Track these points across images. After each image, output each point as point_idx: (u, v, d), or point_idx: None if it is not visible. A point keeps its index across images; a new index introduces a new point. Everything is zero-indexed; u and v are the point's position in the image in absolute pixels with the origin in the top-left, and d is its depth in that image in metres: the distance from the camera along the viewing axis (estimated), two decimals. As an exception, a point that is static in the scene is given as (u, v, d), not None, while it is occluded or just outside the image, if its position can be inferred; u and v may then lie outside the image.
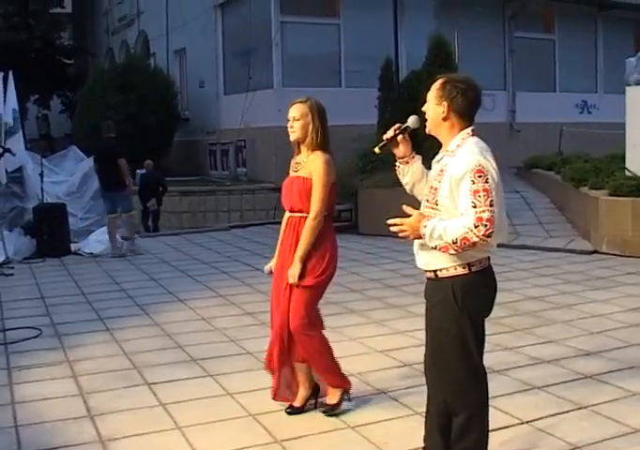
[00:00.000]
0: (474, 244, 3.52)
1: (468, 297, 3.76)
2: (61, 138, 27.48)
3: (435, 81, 3.86)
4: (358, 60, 18.25)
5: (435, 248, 3.63)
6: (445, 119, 3.78)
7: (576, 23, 21.55)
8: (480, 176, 3.56)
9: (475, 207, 3.52)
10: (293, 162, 5.17)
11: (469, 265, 3.75)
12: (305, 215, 4.99)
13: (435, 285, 3.83)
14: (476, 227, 3.49)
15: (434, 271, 3.80)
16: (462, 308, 3.74)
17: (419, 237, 3.70)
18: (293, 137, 5.04)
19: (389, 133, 4.01)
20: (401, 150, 4.03)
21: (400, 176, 4.12)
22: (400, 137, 4.00)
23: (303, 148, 5.08)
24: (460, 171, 3.60)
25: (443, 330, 3.80)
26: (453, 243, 3.54)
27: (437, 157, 3.87)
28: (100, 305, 8.78)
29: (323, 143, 5.03)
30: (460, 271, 3.74)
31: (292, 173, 5.13)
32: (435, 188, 3.75)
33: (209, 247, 13.50)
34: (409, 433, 4.78)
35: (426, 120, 3.88)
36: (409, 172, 4.04)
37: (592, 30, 22.08)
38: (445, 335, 3.80)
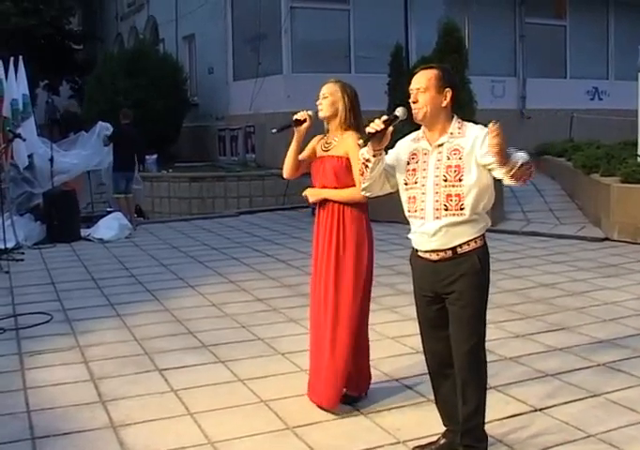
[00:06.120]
0: (531, 173, 3.69)
1: (488, 265, 4.07)
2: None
3: (417, 72, 4.03)
4: (368, 46, 18.15)
5: (520, 170, 3.62)
6: (446, 107, 3.99)
7: (588, 9, 21.34)
8: None
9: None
10: (322, 142, 5.12)
11: (483, 237, 4.02)
12: None
13: (454, 262, 3.98)
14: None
15: (453, 248, 3.96)
16: (487, 276, 4.06)
17: (504, 163, 3.63)
18: (321, 114, 5.02)
19: (377, 125, 3.93)
20: (383, 142, 4.02)
21: (367, 171, 4.08)
22: (390, 128, 3.99)
23: (332, 128, 5.04)
24: (481, 135, 3.85)
25: (472, 299, 3.99)
26: (523, 165, 3.63)
27: (439, 141, 3.98)
28: (111, 290, 8.78)
29: (355, 124, 5.00)
30: (479, 243, 4.01)
31: (321, 153, 5.08)
32: (457, 166, 3.90)
33: (219, 232, 13.49)
34: (421, 420, 4.79)
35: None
36: (379, 164, 4.06)
37: (604, 16, 21.89)
38: (472, 303, 3.99)
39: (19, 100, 12.75)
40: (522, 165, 3.61)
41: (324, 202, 5.03)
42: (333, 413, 4.96)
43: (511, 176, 3.66)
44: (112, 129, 14.41)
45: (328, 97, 4.99)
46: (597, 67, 21.83)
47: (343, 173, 4.93)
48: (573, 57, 21.49)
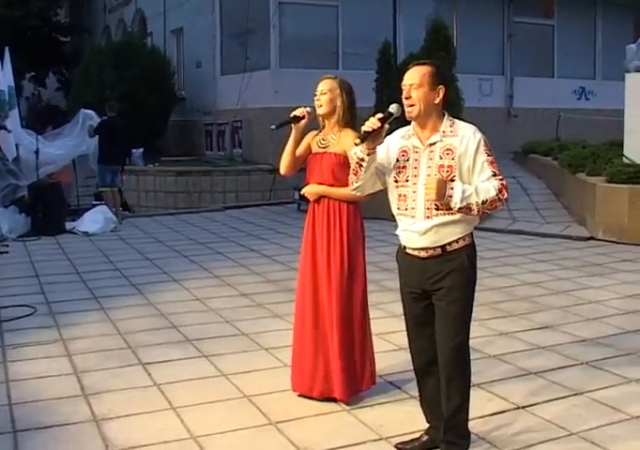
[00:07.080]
0: (497, 207, 3.91)
1: (475, 262, 4.09)
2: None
3: (411, 68, 4.00)
4: (356, 42, 18.16)
5: (460, 210, 3.84)
6: (438, 104, 3.98)
7: (576, 9, 21.43)
8: (489, 149, 3.92)
9: (495, 176, 3.90)
10: (317, 138, 5.10)
11: (472, 235, 4.06)
12: None
13: (443, 259, 4.00)
14: (500, 191, 3.86)
15: (443, 246, 3.98)
16: (475, 274, 4.08)
17: (440, 199, 3.81)
18: (320, 111, 4.99)
19: (373, 124, 3.89)
20: (377, 140, 3.99)
21: (361, 170, 4.03)
22: (386, 126, 3.97)
23: (329, 124, 5.04)
24: (473, 144, 3.91)
25: (459, 295, 4.00)
26: (482, 203, 3.82)
27: (431, 140, 3.96)
28: (95, 284, 8.75)
29: (351, 121, 4.99)
30: (467, 241, 4.04)
31: (317, 149, 5.07)
32: (450, 166, 3.91)
33: (204, 227, 13.46)
34: (404, 416, 4.79)
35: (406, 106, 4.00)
36: (372, 163, 4.02)
37: (591, 16, 21.97)
38: (460, 299, 4.01)
39: (5, 92, 12.69)
40: (460, 208, 3.82)
41: (319, 199, 5.03)
42: (325, 401, 5.00)
43: (458, 212, 3.87)
44: (95, 119, 14.31)
45: (327, 94, 4.96)
46: (584, 66, 21.90)
47: (341, 171, 4.90)
48: (561, 57, 21.56)
